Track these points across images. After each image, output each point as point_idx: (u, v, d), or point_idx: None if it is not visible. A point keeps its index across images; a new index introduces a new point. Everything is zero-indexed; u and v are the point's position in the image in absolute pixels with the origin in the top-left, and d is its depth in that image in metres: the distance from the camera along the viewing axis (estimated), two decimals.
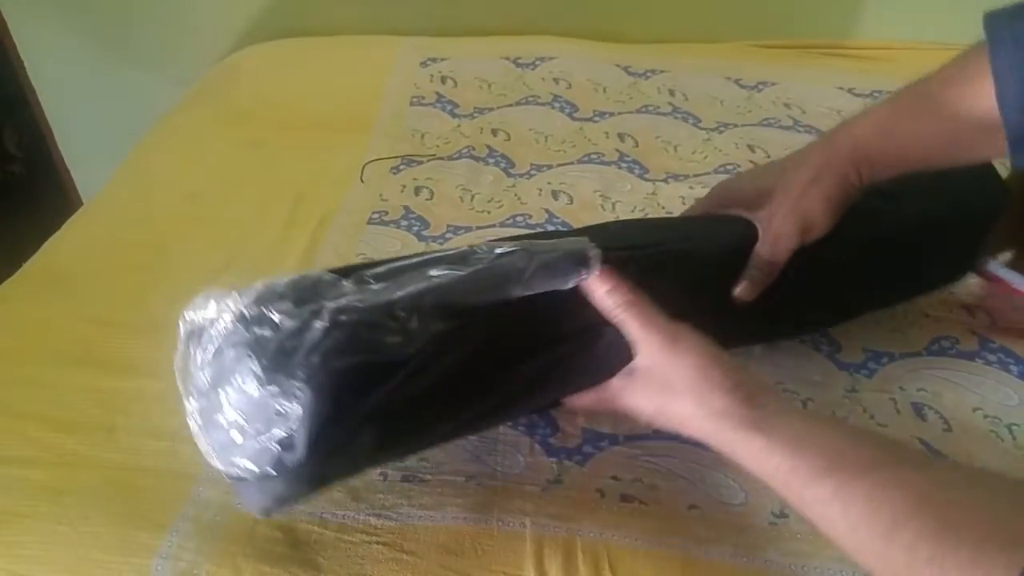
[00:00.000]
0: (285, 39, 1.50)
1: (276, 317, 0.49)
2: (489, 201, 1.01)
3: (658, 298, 0.58)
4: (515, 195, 1.02)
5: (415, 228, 0.97)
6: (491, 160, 1.09)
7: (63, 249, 1.02)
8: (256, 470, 0.50)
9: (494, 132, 1.16)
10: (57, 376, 0.79)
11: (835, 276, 0.71)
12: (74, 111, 1.77)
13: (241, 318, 0.50)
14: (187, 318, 0.52)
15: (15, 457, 0.71)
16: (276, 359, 0.48)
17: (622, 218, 0.96)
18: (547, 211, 0.99)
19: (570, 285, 0.56)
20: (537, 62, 1.32)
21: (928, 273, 0.78)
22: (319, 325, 0.49)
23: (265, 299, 0.50)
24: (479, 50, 1.36)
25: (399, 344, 0.51)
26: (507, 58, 1.33)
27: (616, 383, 0.59)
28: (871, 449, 0.49)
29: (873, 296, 0.77)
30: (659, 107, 1.21)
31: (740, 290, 0.66)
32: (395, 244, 0.95)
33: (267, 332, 0.49)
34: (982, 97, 0.58)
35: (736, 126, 1.16)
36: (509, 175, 1.07)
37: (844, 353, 0.78)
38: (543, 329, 0.57)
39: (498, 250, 0.55)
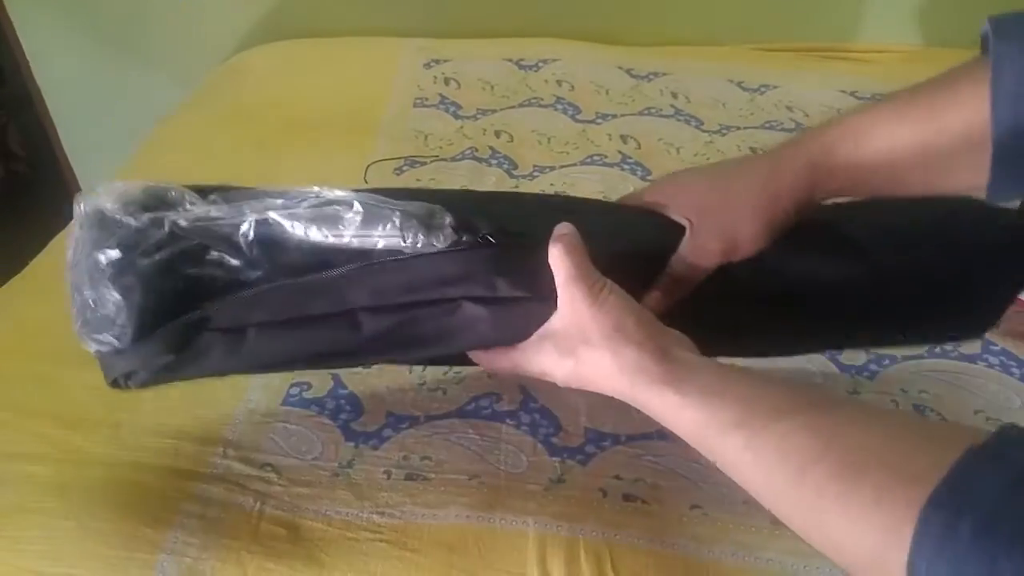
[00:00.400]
0: (289, 40, 1.50)
1: (124, 218, 0.56)
2: None
3: None
4: None
5: None
6: (494, 161, 1.10)
7: (65, 250, 1.02)
8: (102, 347, 0.58)
9: (497, 134, 1.17)
10: (62, 374, 0.79)
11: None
12: (78, 111, 1.78)
13: (99, 213, 0.56)
14: (78, 203, 0.59)
15: (21, 453, 0.71)
16: (117, 256, 0.56)
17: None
18: None
19: (407, 245, 0.56)
20: (540, 64, 1.32)
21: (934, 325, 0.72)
22: (156, 233, 0.56)
23: (121, 199, 0.56)
24: (482, 52, 1.37)
25: (238, 267, 0.57)
26: (510, 60, 1.34)
27: (530, 344, 0.56)
28: (782, 397, 0.48)
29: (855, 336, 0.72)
30: (661, 109, 1.22)
31: (648, 299, 0.61)
32: None
33: (116, 230, 0.56)
34: (969, 108, 0.54)
35: (738, 128, 1.17)
36: (512, 176, 1.07)
37: (846, 355, 0.78)
38: (387, 283, 0.57)
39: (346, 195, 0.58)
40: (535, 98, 1.25)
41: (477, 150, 1.12)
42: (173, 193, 0.58)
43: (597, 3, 1.44)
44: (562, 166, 1.09)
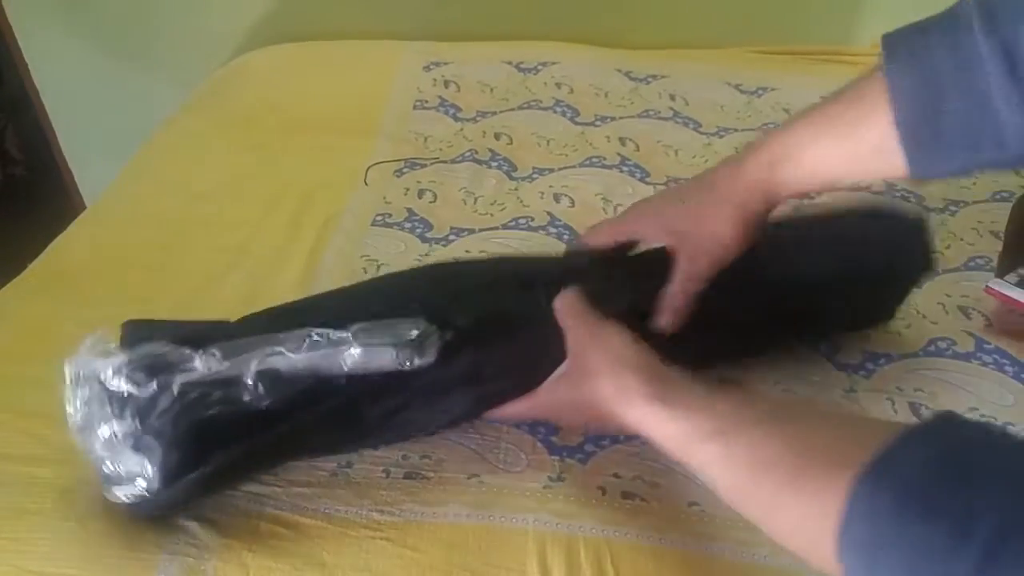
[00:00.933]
0: (289, 43, 1.51)
1: (130, 388, 0.60)
2: (492, 204, 1.02)
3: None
4: (517, 198, 1.03)
5: (418, 230, 0.98)
6: (494, 163, 1.10)
7: (68, 250, 1.02)
8: (130, 499, 0.62)
9: (496, 136, 1.17)
10: (62, 376, 0.79)
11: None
12: (77, 113, 1.79)
13: (99, 384, 0.61)
14: (70, 366, 0.64)
15: (22, 455, 0.72)
16: (134, 427, 0.60)
17: None
18: (549, 214, 1.00)
19: (402, 366, 0.64)
20: (539, 67, 1.33)
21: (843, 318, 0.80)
22: (166, 398, 0.60)
23: (124, 368, 0.61)
24: (482, 54, 1.37)
25: (248, 401, 0.62)
26: (509, 63, 1.34)
27: (543, 388, 0.66)
28: (759, 409, 0.54)
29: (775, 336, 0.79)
30: (660, 112, 1.22)
31: (661, 320, 0.69)
32: (399, 246, 0.96)
33: (125, 401, 0.61)
34: (877, 122, 0.59)
35: (736, 131, 1.17)
36: (511, 178, 1.08)
37: (843, 354, 0.79)
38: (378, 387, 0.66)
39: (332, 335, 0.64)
40: (534, 100, 1.25)
41: (477, 152, 1.13)
42: (173, 356, 0.61)
43: (596, 6, 1.44)
44: (561, 168, 1.09)
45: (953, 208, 0.99)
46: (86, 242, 1.04)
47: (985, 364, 0.77)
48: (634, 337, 0.62)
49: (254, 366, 0.62)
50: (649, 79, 1.30)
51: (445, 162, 1.11)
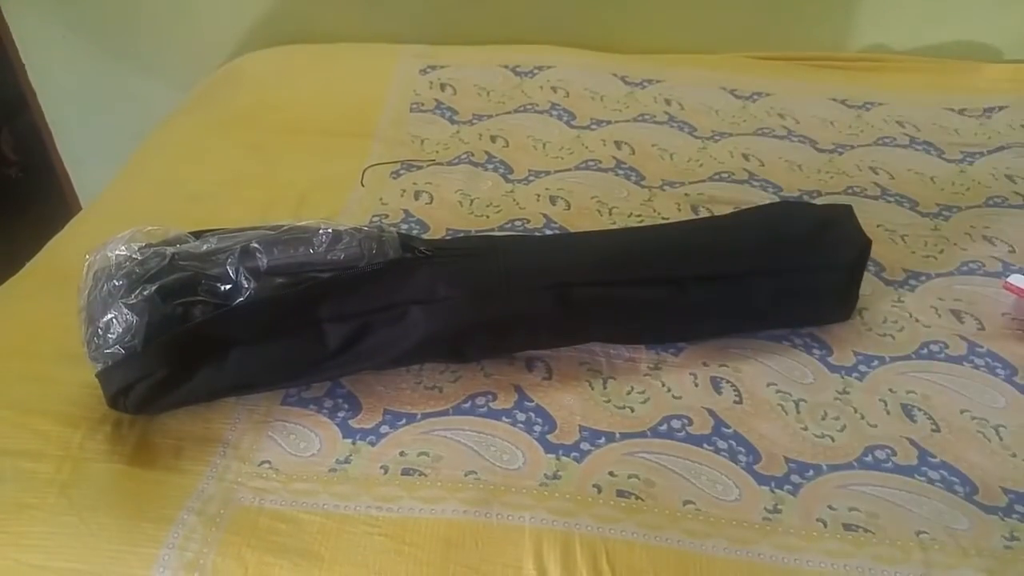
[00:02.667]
0: (286, 45, 1.51)
1: (130, 253, 0.71)
2: (488, 206, 1.03)
3: None
4: (513, 200, 1.04)
5: (415, 231, 0.98)
6: (490, 166, 1.11)
7: (67, 248, 1.03)
8: (112, 358, 0.70)
9: (493, 139, 1.18)
10: (63, 373, 0.79)
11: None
12: (73, 115, 1.78)
13: (106, 259, 0.72)
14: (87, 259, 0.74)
15: (22, 450, 0.72)
16: (126, 282, 0.70)
17: (618, 225, 0.98)
18: (545, 216, 1.00)
19: (365, 256, 0.74)
20: (536, 71, 1.34)
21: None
22: (157, 260, 0.70)
23: (129, 241, 0.72)
24: (478, 58, 1.38)
25: (227, 292, 0.71)
26: (506, 66, 1.35)
27: None
28: None
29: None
30: (655, 116, 1.23)
31: None
32: None
33: (125, 264, 0.71)
34: None
35: (731, 135, 1.18)
36: (507, 180, 1.08)
37: (836, 356, 0.79)
38: (346, 295, 0.74)
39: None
40: (530, 104, 1.26)
41: (473, 155, 1.14)
42: (172, 233, 0.72)
43: (592, 11, 1.45)
44: (557, 171, 1.10)
45: (947, 213, 1.00)
46: (84, 240, 1.02)
47: (977, 367, 0.78)
48: None
49: (238, 245, 0.72)
50: (644, 83, 1.31)
51: (441, 164, 1.12)
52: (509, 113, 1.24)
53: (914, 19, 1.36)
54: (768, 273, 0.79)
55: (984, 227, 0.97)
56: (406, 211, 1.02)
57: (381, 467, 0.69)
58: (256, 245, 0.72)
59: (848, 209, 0.83)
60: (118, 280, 0.69)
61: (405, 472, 0.69)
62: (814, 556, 0.62)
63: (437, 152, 1.15)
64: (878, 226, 0.88)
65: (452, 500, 0.66)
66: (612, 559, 0.62)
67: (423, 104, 1.28)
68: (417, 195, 1.05)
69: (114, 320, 0.68)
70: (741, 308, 0.80)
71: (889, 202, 1.02)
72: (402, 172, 1.11)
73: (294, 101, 1.33)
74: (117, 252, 0.70)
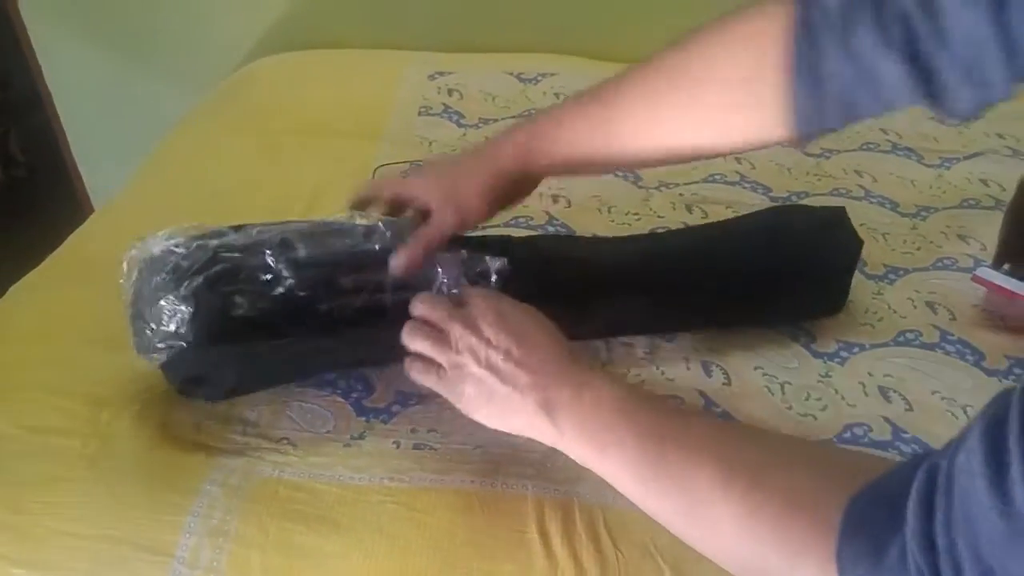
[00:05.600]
0: (298, 51, 1.56)
1: (174, 247, 0.72)
2: None
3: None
4: None
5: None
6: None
7: (90, 240, 1.07)
8: (168, 352, 0.72)
9: None
10: (89, 356, 0.83)
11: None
12: (88, 117, 1.83)
13: (150, 254, 0.72)
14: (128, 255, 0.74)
15: (52, 427, 0.76)
16: (172, 276, 0.71)
17: (616, 222, 1.03)
18: (547, 213, 1.05)
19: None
20: (539, 77, 1.39)
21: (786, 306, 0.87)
22: (203, 253, 0.71)
23: (171, 236, 0.73)
24: (484, 65, 1.43)
25: (268, 280, 0.72)
26: (510, 73, 1.40)
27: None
28: (652, 440, 0.59)
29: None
30: None
31: (396, 263, 0.75)
32: None
33: (170, 258, 0.72)
34: (629, 113, 0.69)
35: None
36: None
37: (819, 343, 0.84)
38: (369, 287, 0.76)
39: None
40: (534, 109, 1.31)
41: None
42: (211, 227, 0.73)
43: (592, 21, 1.50)
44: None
45: (924, 214, 1.05)
46: (107, 232, 1.08)
47: (948, 353, 0.83)
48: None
49: (277, 236, 0.74)
50: None
51: None
52: (514, 117, 1.29)
53: None
54: (768, 273, 0.83)
55: (959, 226, 1.02)
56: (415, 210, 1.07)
57: (393, 442, 0.74)
58: (293, 237, 0.75)
59: (842, 211, 0.87)
60: (165, 274, 0.70)
61: (416, 447, 0.74)
62: None
63: (445, 153, 1.20)
64: (861, 225, 0.93)
65: (460, 471, 0.71)
66: (609, 523, 0.66)
67: (431, 108, 1.33)
68: None
69: (165, 313, 0.70)
70: (739, 306, 0.85)
71: (872, 203, 1.07)
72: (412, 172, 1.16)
73: (306, 104, 1.38)
74: (160, 247, 0.72)
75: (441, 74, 1.42)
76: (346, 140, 1.25)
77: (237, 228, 0.77)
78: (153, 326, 0.71)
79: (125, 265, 0.74)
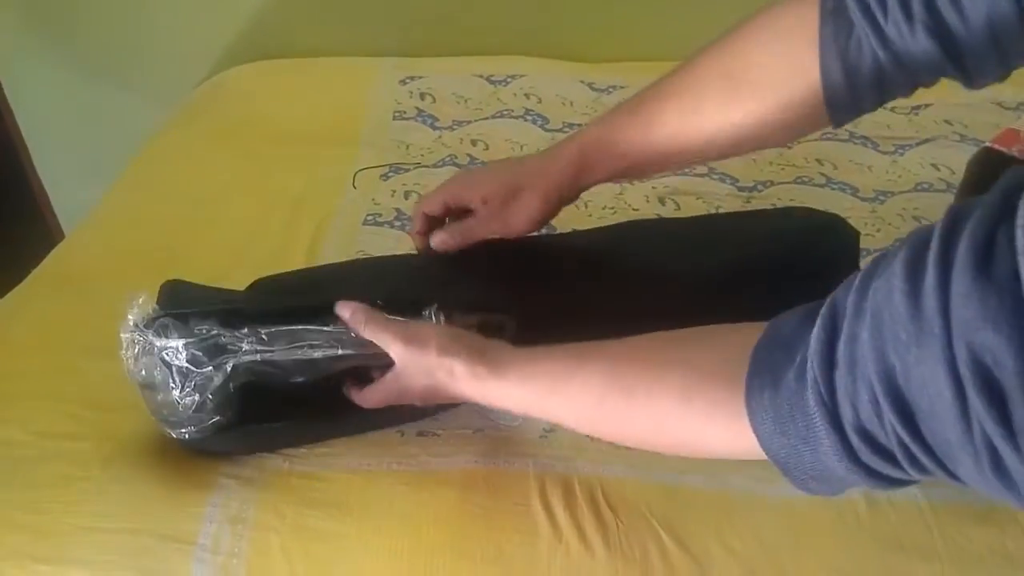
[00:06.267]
0: (267, 60, 1.58)
1: (190, 367, 0.69)
2: None
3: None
4: None
5: (408, 228, 1.06)
6: (473, 167, 1.20)
7: (74, 253, 1.09)
8: (184, 435, 0.72)
9: (473, 142, 1.26)
10: (90, 365, 0.85)
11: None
12: (52, 132, 1.80)
13: (166, 360, 0.70)
14: (125, 332, 0.72)
15: (63, 432, 0.78)
16: (190, 391, 0.70)
17: (594, 217, 1.07)
18: None
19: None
20: (508, 79, 1.43)
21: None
22: (220, 375, 0.69)
23: (184, 351, 0.69)
24: (454, 69, 1.46)
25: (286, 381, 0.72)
26: (481, 76, 1.44)
27: (389, 379, 0.71)
28: (574, 357, 0.63)
29: None
30: None
31: (438, 240, 0.82)
32: (390, 242, 1.04)
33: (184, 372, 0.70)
34: (685, 113, 0.73)
35: None
36: None
37: None
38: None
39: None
40: (506, 110, 1.35)
41: (456, 157, 1.22)
42: (226, 339, 0.70)
43: (560, 23, 1.54)
44: None
45: (882, 198, 1.11)
46: (90, 246, 1.10)
47: None
48: (446, 328, 0.71)
49: (294, 353, 0.71)
50: (610, 89, 1.40)
51: (427, 166, 1.20)
52: (487, 119, 1.32)
53: None
54: (766, 274, 0.84)
55: (914, 209, 1.08)
56: (398, 210, 1.10)
57: (397, 431, 0.78)
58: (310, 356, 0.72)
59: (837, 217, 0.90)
60: (186, 389, 0.69)
61: (420, 434, 0.77)
62: (782, 485, 0.70)
63: (422, 155, 1.24)
64: (824, 209, 0.99)
65: (464, 453, 0.75)
66: (607, 493, 0.71)
67: (405, 112, 1.36)
68: (407, 195, 1.14)
69: (179, 404, 0.70)
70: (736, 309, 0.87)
71: (833, 190, 1.13)
72: (391, 175, 1.19)
73: (279, 113, 1.40)
74: (173, 358, 0.69)
75: (412, 78, 1.45)
76: (323, 147, 1.28)
77: (239, 323, 0.72)
78: (168, 420, 0.72)
79: (124, 345, 0.72)
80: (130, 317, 0.71)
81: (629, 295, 0.82)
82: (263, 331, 0.71)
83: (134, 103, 1.71)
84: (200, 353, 0.69)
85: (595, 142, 0.78)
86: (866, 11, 0.61)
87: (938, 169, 1.17)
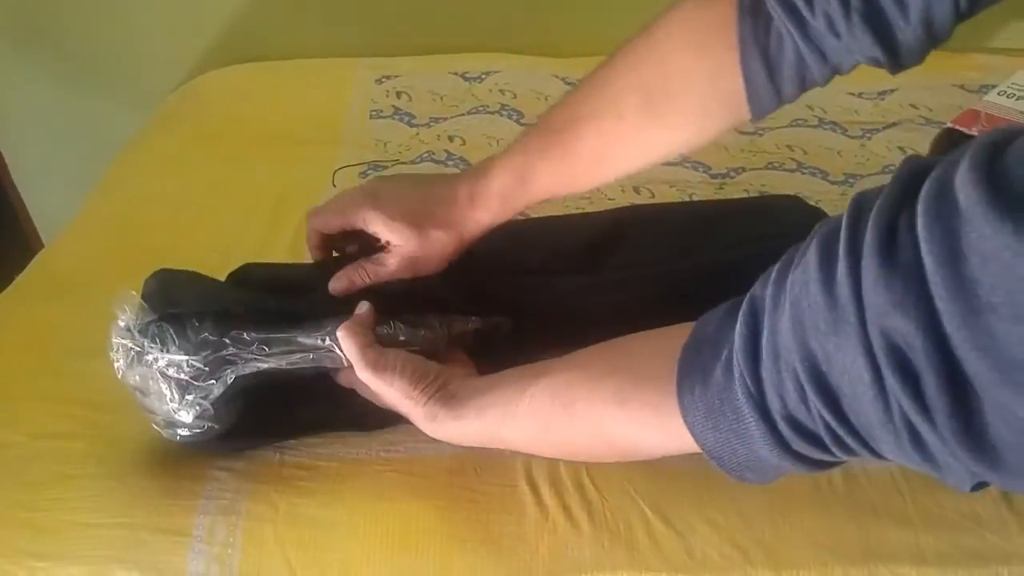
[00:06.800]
0: (242, 64, 1.59)
1: (190, 379, 0.69)
2: None
3: None
4: None
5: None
6: (450, 162, 1.22)
7: (59, 258, 1.10)
8: (187, 438, 0.72)
9: (450, 138, 1.28)
10: (81, 366, 0.85)
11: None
12: (27, 139, 1.79)
13: (162, 370, 0.69)
14: (117, 337, 0.72)
15: (56, 432, 0.79)
16: (190, 401, 0.70)
17: (571, 207, 1.09)
18: None
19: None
20: (483, 76, 1.45)
21: None
22: (220, 386, 0.69)
23: (185, 365, 0.69)
24: (429, 67, 1.48)
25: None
26: (455, 73, 1.46)
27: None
28: (521, 381, 0.65)
29: None
30: None
31: (333, 284, 0.78)
32: None
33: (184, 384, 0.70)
34: (598, 136, 0.73)
35: None
36: None
37: None
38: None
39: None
40: (482, 106, 1.37)
41: (434, 153, 1.24)
42: (225, 350, 0.70)
43: (533, 19, 1.56)
44: None
45: (852, 181, 1.14)
46: (76, 250, 1.10)
47: None
48: (419, 364, 0.69)
49: (292, 360, 0.72)
50: None
51: (406, 163, 1.22)
52: (463, 115, 1.34)
53: None
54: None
55: None
56: None
57: None
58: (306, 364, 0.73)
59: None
60: (185, 399, 0.70)
61: (407, 421, 0.79)
62: None
63: (400, 153, 1.25)
64: (796, 193, 1.02)
65: None
66: (591, 472, 0.73)
67: (382, 111, 1.37)
68: None
69: (176, 413, 0.70)
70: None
71: (804, 174, 1.16)
72: (369, 172, 1.21)
73: (257, 116, 1.41)
74: (170, 369, 0.69)
75: (388, 77, 1.46)
76: (303, 147, 1.29)
77: (234, 325, 0.72)
78: (163, 423, 0.72)
79: (115, 348, 0.72)
80: (121, 320, 0.71)
81: (627, 289, 0.82)
82: (261, 337, 0.71)
83: (109, 109, 1.71)
84: (203, 367, 0.69)
85: (514, 183, 0.75)
86: (787, 6, 0.63)
87: (905, 152, 1.20)
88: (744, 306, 0.50)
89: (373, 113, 1.37)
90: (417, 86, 1.43)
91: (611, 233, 0.89)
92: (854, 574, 0.69)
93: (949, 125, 1.03)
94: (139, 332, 0.70)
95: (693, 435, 0.53)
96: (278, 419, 0.77)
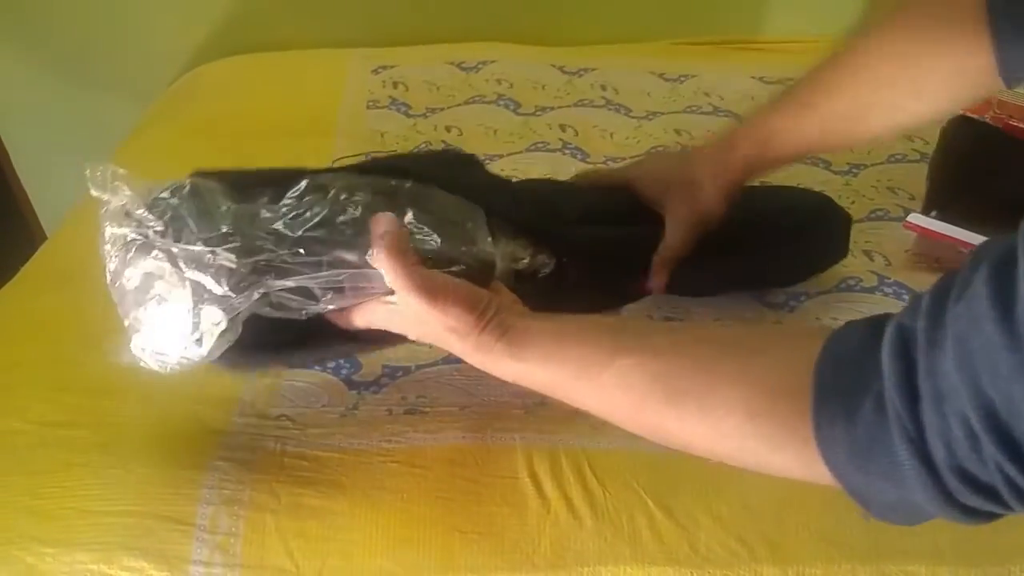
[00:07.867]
0: (239, 56, 1.58)
1: (213, 282, 0.60)
2: None
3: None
4: None
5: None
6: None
7: (61, 249, 1.10)
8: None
9: (447, 128, 1.28)
10: (85, 355, 0.85)
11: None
12: (29, 131, 1.80)
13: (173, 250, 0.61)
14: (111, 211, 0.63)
15: (59, 421, 0.79)
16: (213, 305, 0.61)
17: None
18: None
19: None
20: (480, 65, 1.44)
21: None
22: (246, 299, 0.61)
23: (205, 243, 0.61)
24: (426, 57, 1.48)
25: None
26: (452, 63, 1.45)
27: (382, 310, 0.65)
28: (609, 345, 0.59)
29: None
30: (594, 101, 1.35)
31: (653, 284, 0.81)
32: None
33: (208, 280, 0.61)
34: (854, 98, 0.73)
35: (663, 114, 1.31)
36: None
37: (769, 295, 0.93)
38: None
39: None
40: (478, 96, 1.36)
41: (431, 143, 1.24)
42: (260, 267, 0.61)
43: (529, 8, 1.56)
44: (510, 154, 1.21)
45: (855, 170, 1.14)
46: (77, 241, 1.10)
47: (886, 295, 0.92)
48: (469, 290, 0.62)
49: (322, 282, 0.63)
50: (581, 72, 1.42)
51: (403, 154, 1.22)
52: (460, 105, 1.34)
53: (823, 4, 1.51)
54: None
55: (888, 180, 1.12)
56: None
57: (386, 410, 0.79)
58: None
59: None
60: (212, 306, 0.61)
61: (408, 412, 0.79)
62: None
63: (398, 143, 1.25)
64: (799, 184, 1.02)
65: (452, 429, 0.77)
66: (593, 465, 0.73)
67: (378, 101, 1.37)
68: None
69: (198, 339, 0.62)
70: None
71: (808, 164, 1.15)
72: None
73: (255, 107, 1.41)
74: (213, 285, 0.60)
75: (384, 68, 1.46)
76: (301, 138, 1.28)
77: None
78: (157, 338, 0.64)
79: (108, 236, 0.66)
80: (113, 200, 0.61)
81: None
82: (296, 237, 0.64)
83: (109, 101, 1.71)
84: (237, 280, 0.59)
85: (767, 136, 0.79)
86: None
87: (911, 140, 1.20)
88: (890, 334, 0.44)
89: (370, 104, 1.37)
90: (414, 76, 1.42)
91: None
92: (862, 572, 0.68)
93: (961, 112, 1.03)
94: (147, 210, 0.60)
95: (832, 472, 0.47)
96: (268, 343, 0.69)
